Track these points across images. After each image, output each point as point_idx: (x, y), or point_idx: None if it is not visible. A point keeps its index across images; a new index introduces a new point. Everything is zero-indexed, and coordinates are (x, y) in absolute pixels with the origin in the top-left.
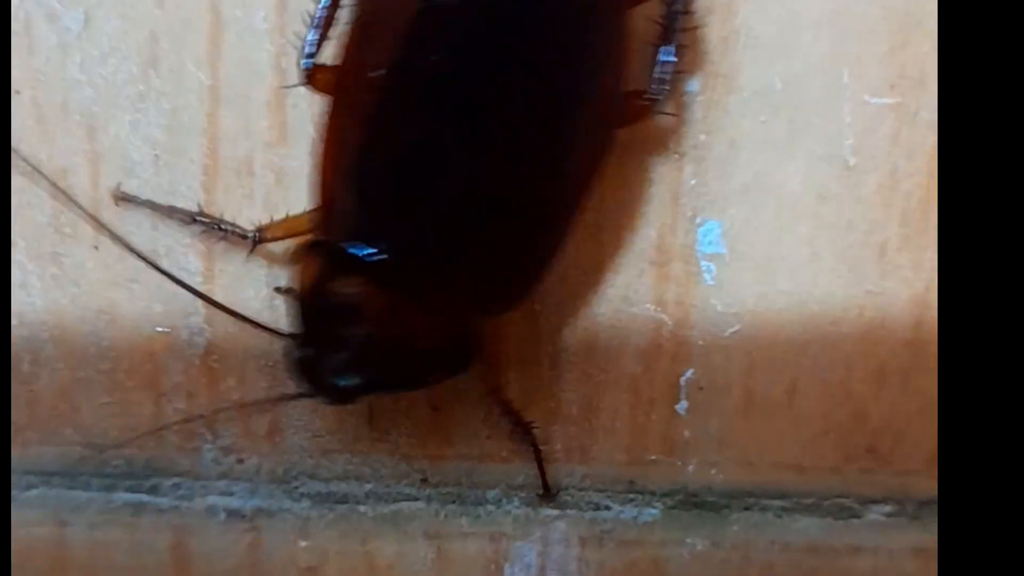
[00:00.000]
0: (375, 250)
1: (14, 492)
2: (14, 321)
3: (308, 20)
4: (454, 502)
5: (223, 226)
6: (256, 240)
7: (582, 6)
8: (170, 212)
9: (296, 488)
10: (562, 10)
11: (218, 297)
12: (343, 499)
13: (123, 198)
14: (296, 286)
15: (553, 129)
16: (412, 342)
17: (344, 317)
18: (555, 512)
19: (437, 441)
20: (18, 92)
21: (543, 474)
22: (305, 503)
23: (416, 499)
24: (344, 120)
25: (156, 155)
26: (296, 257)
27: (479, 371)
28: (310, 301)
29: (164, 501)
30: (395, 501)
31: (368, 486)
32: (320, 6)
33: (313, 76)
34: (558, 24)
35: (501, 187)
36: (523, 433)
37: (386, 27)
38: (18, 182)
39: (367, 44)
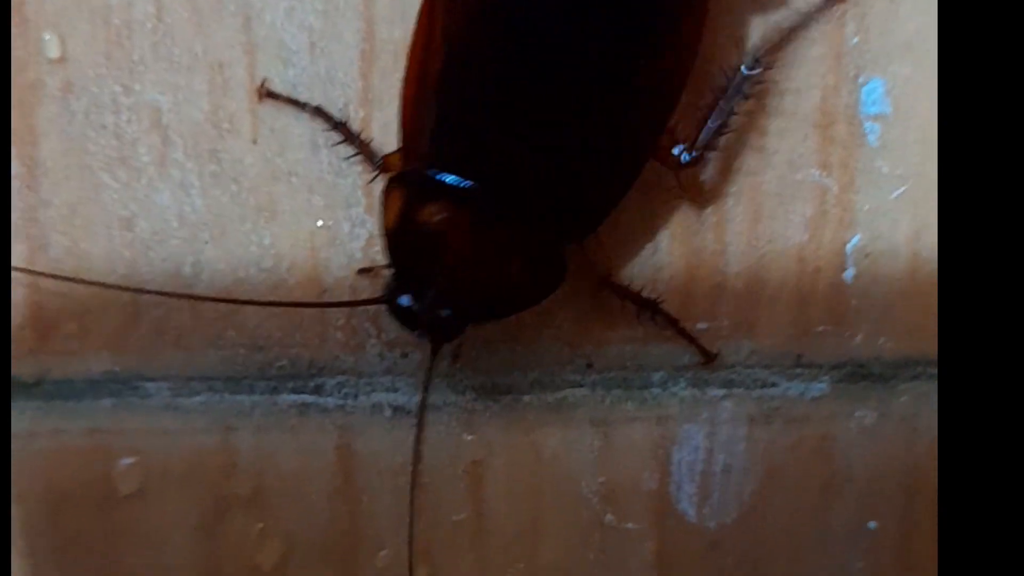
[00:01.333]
0: (461, 177)
1: (180, 399)
2: (174, 223)
3: None
4: (619, 387)
5: (356, 144)
6: (380, 168)
7: None
8: (314, 113)
9: (460, 380)
10: None
11: (378, 185)
12: (507, 390)
13: (268, 94)
14: (386, 221)
15: (630, 68)
16: (499, 268)
17: (432, 246)
18: (722, 392)
19: (601, 325)
20: None
21: (694, 341)
22: (470, 395)
23: (581, 386)
24: (428, 50)
25: (312, 42)
26: (384, 193)
27: (590, 264)
28: (399, 233)
29: (329, 401)
30: (560, 389)
31: (533, 375)
32: None
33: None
34: None
35: (581, 118)
36: (652, 311)
37: None
38: (174, 79)
39: None
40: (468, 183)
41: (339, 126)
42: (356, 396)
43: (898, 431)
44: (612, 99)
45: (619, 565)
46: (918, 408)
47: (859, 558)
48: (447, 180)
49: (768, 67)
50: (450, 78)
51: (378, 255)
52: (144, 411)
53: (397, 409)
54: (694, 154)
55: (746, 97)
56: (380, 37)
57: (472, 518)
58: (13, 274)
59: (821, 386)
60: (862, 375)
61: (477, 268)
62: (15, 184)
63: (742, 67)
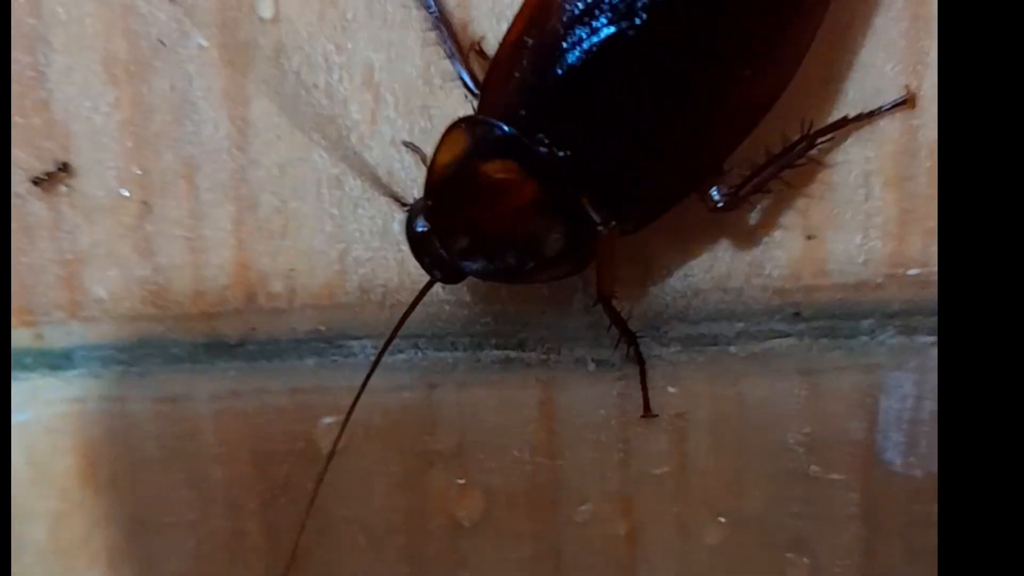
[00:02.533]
0: (529, 139)
1: (384, 357)
2: (383, 180)
3: None
4: (827, 336)
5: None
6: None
7: None
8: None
9: (666, 332)
10: None
11: None
12: (713, 341)
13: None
14: (434, 156)
15: (719, 90)
16: (537, 240)
17: (482, 198)
18: (932, 339)
19: (810, 273)
20: None
21: (645, 391)
22: (675, 347)
23: (788, 335)
24: (541, 11)
25: None
26: (449, 130)
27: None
28: (455, 173)
29: (532, 356)
30: (766, 339)
31: (739, 325)
32: None
33: None
34: None
35: (662, 121)
36: (628, 344)
37: None
38: (387, 36)
39: None
40: (536, 146)
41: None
42: (559, 350)
43: None
44: (694, 112)
45: (824, 516)
46: None
47: None
48: (518, 139)
49: (821, 148)
50: (553, 45)
51: None
52: (348, 369)
53: (601, 363)
54: (726, 202)
55: (791, 167)
56: None
57: (675, 471)
58: (223, 235)
59: None
60: None
61: (506, 228)
62: (224, 144)
63: (799, 140)
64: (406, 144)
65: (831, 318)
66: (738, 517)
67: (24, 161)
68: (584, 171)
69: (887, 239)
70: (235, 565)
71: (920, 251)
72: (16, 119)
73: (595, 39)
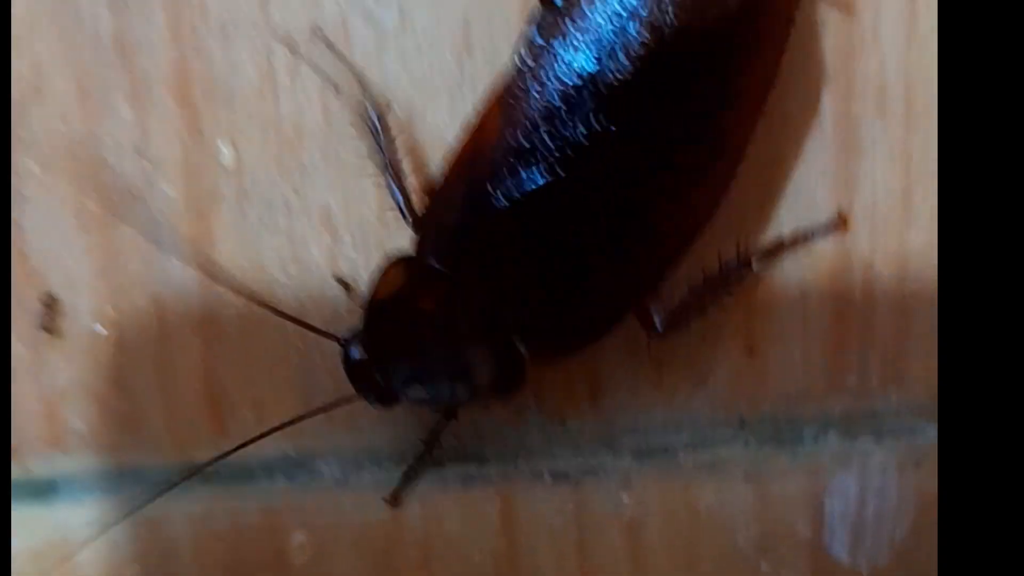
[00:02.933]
0: (460, 272)
1: (350, 476)
2: (343, 314)
3: None
4: (771, 442)
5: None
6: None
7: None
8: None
9: (618, 443)
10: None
11: None
12: (663, 450)
13: None
14: (373, 291)
15: (641, 216)
16: (468, 369)
17: (415, 330)
18: (871, 442)
19: (753, 382)
20: (339, 92)
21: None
22: (627, 457)
23: (734, 443)
24: (458, 174)
25: None
26: (383, 266)
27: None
28: (391, 307)
29: (492, 470)
30: (714, 446)
31: (686, 435)
32: None
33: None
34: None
35: (584, 256)
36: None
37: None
38: (338, 179)
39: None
40: (467, 282)
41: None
42: (516, 464)
43: None
44: (620, 248)
45: None
46: None
47: None
48: (449, 275)
49: (757, 271)
50: (484, 190)
51: None
52: (316, 489)
53: (556, 475)
54: (663, 329)
55: (729, 293)
56: None
57: (630, 574)
58: (193, 367)
59: None
60: None
61: (441, 358)
62: (194, 288)
63: (736, 262)
64: (337, 279)
65: (775, 425)
66: None
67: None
68: (514, 305)
69: (826, 350)
70: None
71: (857, 360)
72: None
73: (524, 186)
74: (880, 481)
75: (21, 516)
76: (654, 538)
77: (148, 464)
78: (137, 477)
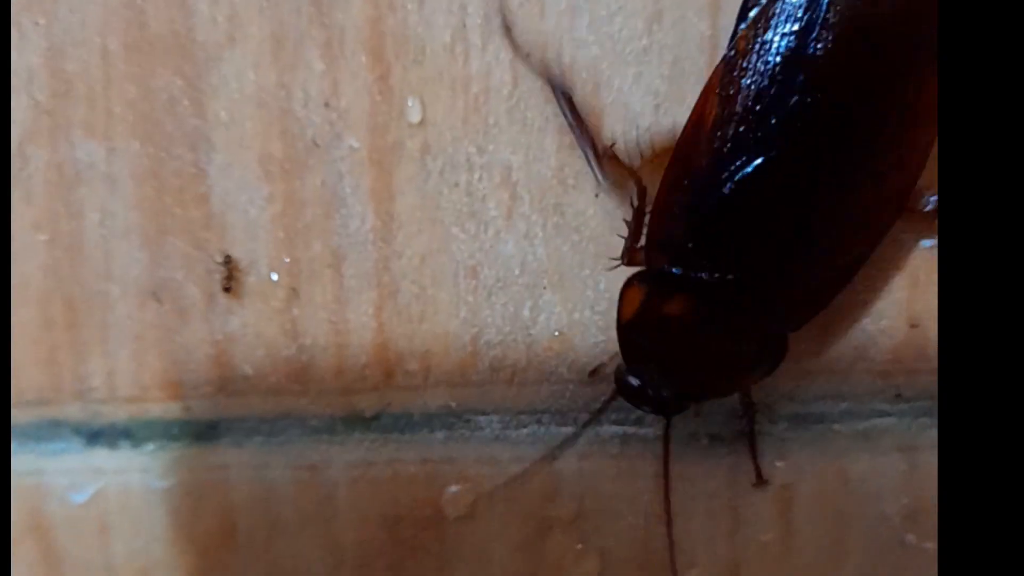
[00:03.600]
0: (703, 273)
1: (509, 431)
2: (516, 270)
3: None
4: (926, 415)
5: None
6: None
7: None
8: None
9: (775, 411)
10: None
11: None
12: (819, 419)
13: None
14: (624, 314)
15: (852, 184)
16: (728, 355)
17: (673, 339)
18: None
19: (913, 356)
20: (528, 54)
21: (756, 462)
22: (783, 424)
23: (889, 415)
24: (678, 176)
25: (657, 104)
26: (624, 289)
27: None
28: (635, 324)
29: (649, 431)
30: (869, 418)
31: (844, 405)
32: None
33: None
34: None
35: (806, 231)
36: (746, 418)
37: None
38: (525, 139)
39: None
40: (709, 277)
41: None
42: (674, 426)
43: None
44: (837, 218)
45: None
46: None
47: None
48: (689, 275)
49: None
50: (705, 183)
51: None
52: (475, 442)
53: (713, 438)
54: None
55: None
56: None
57: (780, 538)
58: (364, 319)
59: None
60: None
61: (706, 355)
62: (370, 237)
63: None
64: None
65: (931, 399)
66: None
67: (182, 249)
68: (762, 287)
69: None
70: None
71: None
72: (176, 211)
73: (745, 170)
74: None
75: (179, 455)
76: (805, 503)
77: (311, 411)
78: (300, 423)
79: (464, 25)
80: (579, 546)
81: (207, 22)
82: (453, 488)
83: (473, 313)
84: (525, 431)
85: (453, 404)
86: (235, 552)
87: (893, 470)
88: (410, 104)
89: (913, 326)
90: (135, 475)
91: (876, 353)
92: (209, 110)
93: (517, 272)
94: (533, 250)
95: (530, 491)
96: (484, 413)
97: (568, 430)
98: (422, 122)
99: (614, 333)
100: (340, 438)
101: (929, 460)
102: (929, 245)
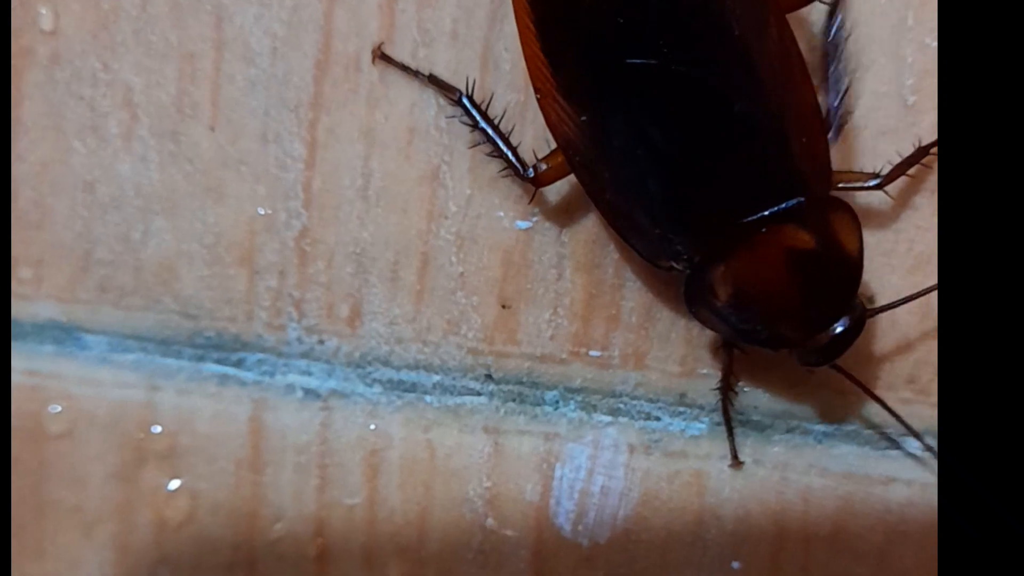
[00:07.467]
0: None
1: (114, 355)
2: (130, 192)
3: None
4: (514, 400)
5: (505, 149)
6: (534, 183)
7: None
8: (429, 81)
9: (369, 374)
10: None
11: (316, 183)
12: (411, 388)
13: (381, 57)
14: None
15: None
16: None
17: (777, 279)
18: (608, 419)
19: (503, 338)
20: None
21: (732, 440)
22: (377, 388)
23: (479, 394)
24: (593, 186)
25: (274, 47)
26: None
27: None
28: (739, 297)
29: (248, 375)
30: (459, 395)
31: (436, 378)
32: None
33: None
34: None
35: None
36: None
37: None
38: (148, 63)
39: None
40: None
41: (465, 98)
42: (273, 374)
43: (769, 478)
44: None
45: (495, 567)
46: (790, 459)
47: None
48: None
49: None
50: (634, 195)
51: (309, 245)
52: (81, 361)
53: (308, 392)
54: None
55: None
56: (335, 50)
57: (366, 504)
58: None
59: (701, 426)
60: (739, 421)
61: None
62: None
63: None
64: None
65: (519, 384)
66: (419, 555)
67: None
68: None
69: (573, 319)
70: None
71: (602, 334)
72: None
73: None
74: (610, 458)
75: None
76: (392, 472)
77: None
78: None
79: None
80: (171, 482)
81: None
82: (56, 407)
83: (87, 228)
84: (131, 357)
85: (63, 319)
86: None
87: (479, 451)
88: (43, 12)
89: (505, 306)
90: None
91: (467, 329)
92: None
93: (132, 194)
94: (148, 174)
95: (129, 419)
96: (92, 332)
97: (171, 361)
98: (54, 32)
99: (219, 268)
100: None
101: (513, 445)
102: (525, 227)
